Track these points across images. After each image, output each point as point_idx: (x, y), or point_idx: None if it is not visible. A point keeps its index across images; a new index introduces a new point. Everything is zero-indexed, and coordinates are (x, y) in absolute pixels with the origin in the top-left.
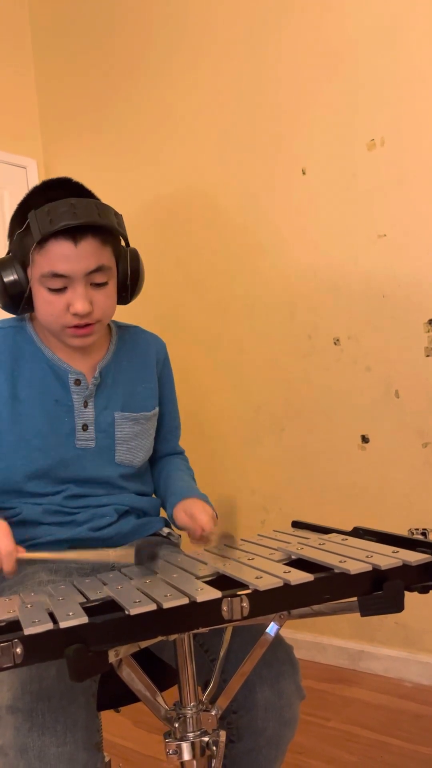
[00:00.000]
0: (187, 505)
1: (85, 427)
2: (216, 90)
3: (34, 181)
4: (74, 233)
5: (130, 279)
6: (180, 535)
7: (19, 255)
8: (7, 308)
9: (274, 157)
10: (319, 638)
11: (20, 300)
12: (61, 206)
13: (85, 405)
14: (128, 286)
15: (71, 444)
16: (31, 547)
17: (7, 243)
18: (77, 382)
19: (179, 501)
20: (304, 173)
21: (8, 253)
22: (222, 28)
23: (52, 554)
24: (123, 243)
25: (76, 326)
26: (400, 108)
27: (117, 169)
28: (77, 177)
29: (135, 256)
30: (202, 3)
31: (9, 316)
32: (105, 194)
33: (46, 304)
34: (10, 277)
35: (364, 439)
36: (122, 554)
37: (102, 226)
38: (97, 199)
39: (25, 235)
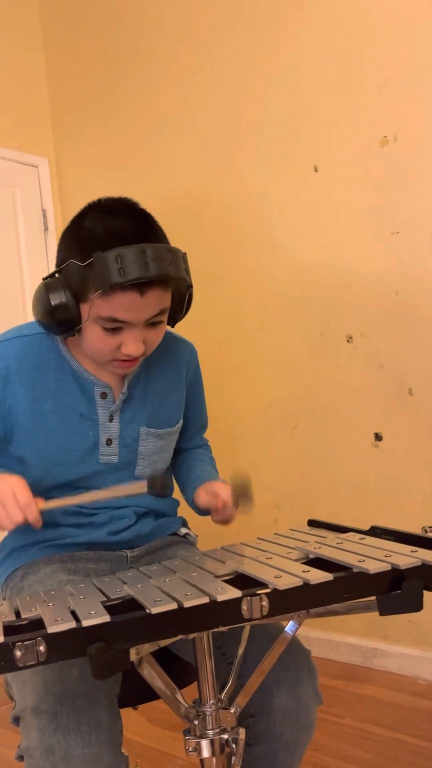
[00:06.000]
0: (208, 486)
1: (109, 442)
2: (228, 88)
3: (46, 179)
4: (142, 285)
5: (184, 310)
6: (197, 535)
7: (75, 286)
8: (48, 330)
9: (287, 155)
10: (332, 636)
11: (65, 326)
12: (131, 254)
13: (111, 419)
14: (177, 316)
15: (94, 459)
16: (48, 548)
17: (56, 260)
18: (103, 395)
19: (200, 485)
20: (316, 170)
21: (55, 273)
22: (233, 26)
23: (71, 499)
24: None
25: (123, 360)
26: (412, 104)
27: (128, 168)
28: (89, 175)
29: (191, 291)
30: (213, 1)
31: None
32: (116, 193)
33: (97, 341)
34: (57, 301)
35: (377, 437)
36: (136, 487)
37: (173, 278)
38: (164, 236)
39: (86, 271)
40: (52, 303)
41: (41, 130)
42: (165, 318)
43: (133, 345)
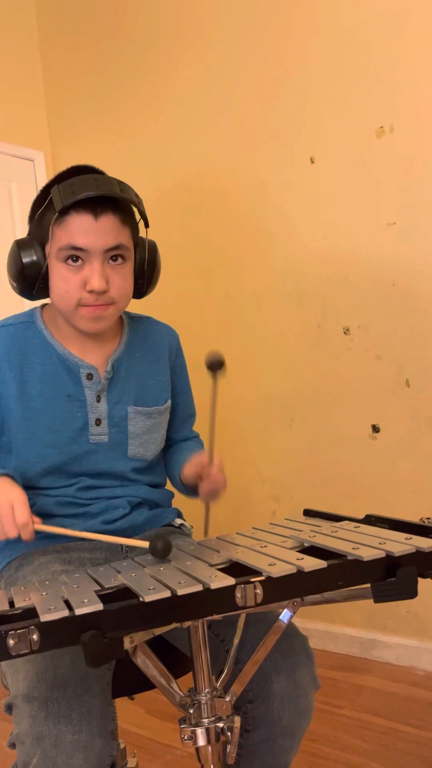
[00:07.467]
0: (192, 458)
1: (98, 422)
2: (223, 79)
3: (42, 173)
4: (95, 207)
5: (146, 267)
6: (192, 526)
7: (39, 233)
8: (23, 292)
9: (283, 146)
10: (330, 627)
11: (36, 281)
12: (84, 179)
13: (98, 399)
14: (144, 273)
15: (84, 439)
16: (43, 539)
17: (27, 227)
18: (89, 376)
19: (186, 461)
20: (312, 161)
21: (27, 235)
22: (230, 15)
23: (67, 531)
24: (141, 231)
25: (91, 305)
26: (409, 95)
27: (125, 161)
28: None
29: (153, 247)
30: None
31: (19, 311)
32: None
33: (62, 280)
34: (28, 258)
35: (375, 429)
36: (135, 543)
37: (123, 200)
38: None
39: (46, 210)
40: (24, 260)
41: (37, 123)
42: (128, 262)
43: (96, 278)
